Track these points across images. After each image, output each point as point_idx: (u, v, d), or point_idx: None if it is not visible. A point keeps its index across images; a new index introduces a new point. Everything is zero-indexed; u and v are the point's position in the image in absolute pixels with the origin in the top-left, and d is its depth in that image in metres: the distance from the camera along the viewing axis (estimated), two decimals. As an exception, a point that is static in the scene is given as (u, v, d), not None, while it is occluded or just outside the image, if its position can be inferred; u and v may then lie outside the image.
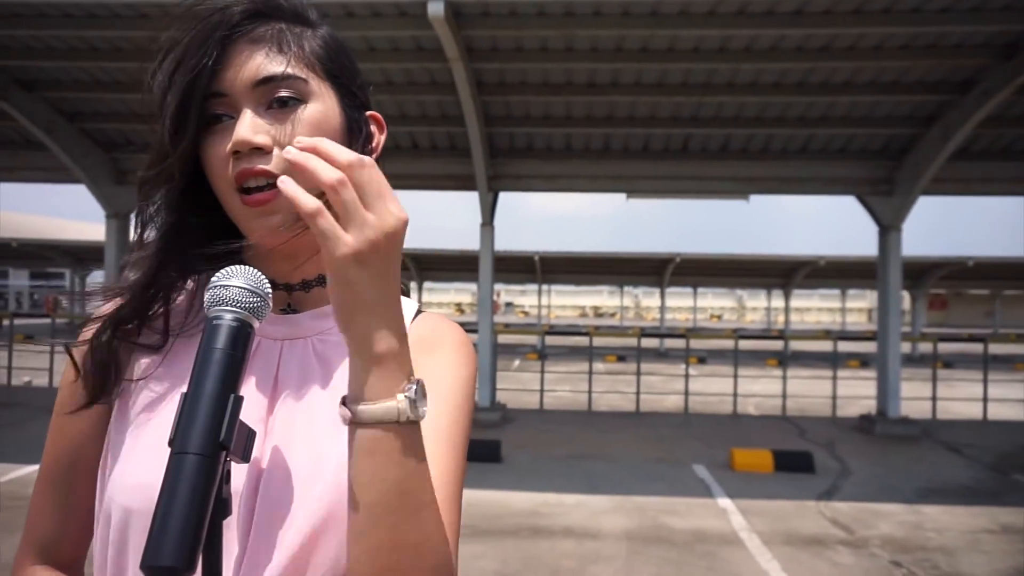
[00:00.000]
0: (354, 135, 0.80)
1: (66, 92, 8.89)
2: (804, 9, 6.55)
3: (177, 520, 0.62)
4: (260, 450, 0.75)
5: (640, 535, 5.32)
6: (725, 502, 6.21)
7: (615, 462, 7.57)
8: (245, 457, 0.68)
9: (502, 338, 22.96)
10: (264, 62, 0.74)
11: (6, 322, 19.85)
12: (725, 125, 8.93)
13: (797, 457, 7.47)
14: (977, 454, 8.36)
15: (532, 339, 24.31)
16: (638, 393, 11.10)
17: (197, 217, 0.80)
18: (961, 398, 11.94)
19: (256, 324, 0.72)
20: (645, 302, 66.28)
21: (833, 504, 6.22)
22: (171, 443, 0.65)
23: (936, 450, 8.61)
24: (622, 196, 10.44)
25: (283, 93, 0.74)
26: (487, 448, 7.41)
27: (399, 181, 9.98)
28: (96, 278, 34.76)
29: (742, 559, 4.89)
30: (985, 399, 10.83)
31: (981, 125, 8.15)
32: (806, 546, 5.18)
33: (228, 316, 0.70)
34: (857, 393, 11.93)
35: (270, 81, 0.74)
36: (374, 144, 0.83)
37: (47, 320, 27.96)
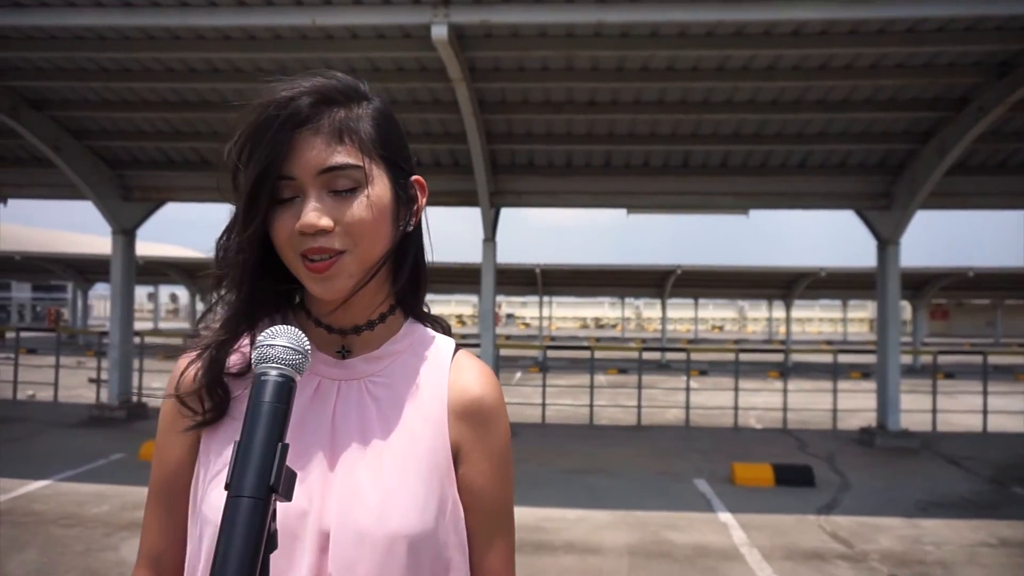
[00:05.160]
0: (401, 204, 0.92)
1: (74, 111, 9.03)
2: (801, 30, 6.67)
3: (235, 557, 0.71)
4: (325, 483, 0.87)
5: (642, 550, 5.38)
6: (726, 516, 6.27)
7: (617, 476, 7.63)
8: (288, 496, 0.78)
9: (503, 350, 22.98)
10: (327, 153, 0.85)
11: (10, 334, 19.93)
12: (724, 142, 9.05)
13: (797, 471, 7.52)
14: (977, 467, 8.41)
15: (534, 352, 24.34)
16: (639, 407, 11.16)
17: (266, 277, 0.92)
18: (962, 410, 11.99)
19: (298, 378, 0.82)
20: (646, 313, 66.25)
21: (833, 518, 6.28)
22: (227, 487, 0.75)
23: (936, 463, 8.66)
24: (623, 211, 10.56)
25: (343, 181, 0.85)
26: (490, 462, 7.47)
27: (402, 197, 10.08)
28: (99, 291, 34.88)
29: (743, 574, 4.95)
30: (985, 411, 10.88)
31: (977, 140, 8.26)
32: (806, 560, 5.24)
33: (274, 372, 0.80)
34: (858, 405, 11.98)
35: (332, 170, 0.85)
36: (417, 206, 0.95)
37: (52, 334, 28.05)
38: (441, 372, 0.96)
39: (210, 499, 0.87)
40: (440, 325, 1.03)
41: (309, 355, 0.83)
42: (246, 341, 0.92)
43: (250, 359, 0.89)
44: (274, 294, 0.94)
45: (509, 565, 0.98)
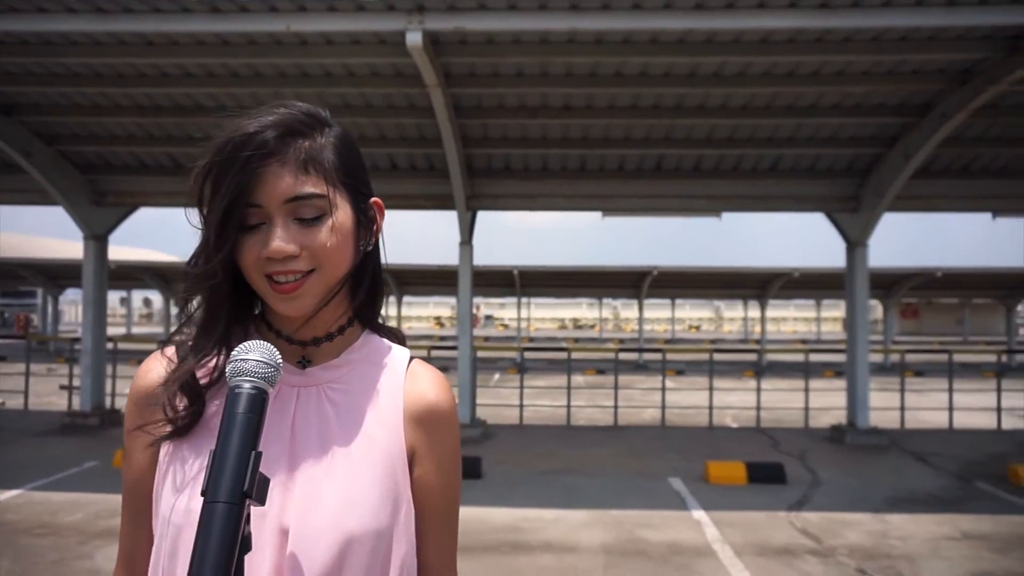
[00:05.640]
0: (362, 227, 0.98)
1: (45, 116, 8.93)
2: (769, 38, 6.82)
3: (212, 558, 0.76)
4: (285, 485, 0.92)
5: (617, 548, 5.47)
6: (699, 514, 6.38)
7: (593, 477, 7.72)
8: (261, 501, 0.83)
9: (481, 352, 23.07)
10: (293, 183, 0.90)
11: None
12: (697, 146, 9.19)
13: (769, 469, 7.67)
14: (943, 463, 8.63)
15: (512, 353, 24.41)
16: (616, 407, 11.27)
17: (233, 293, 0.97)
18: (930, 407, 12.28)
19: (270, 390, 0.87)
20: (624, 313, 66.62)
21: (803, 514, 6.42)
22: (203, 494, 0.80)
23: (904, 459, 8.87)
24: (598, 213, 10.67)
25: (308, 210, 0.91)
26: (468, 465, 7.51)
27: (379, 201, 10.11)
28: (69, 296, 34.31)
29: (715, 570, 5.05)
30: (951, 408, 11.15)
31: (941, 145, 8.48)
32: (777, 556, 5.36)
33: (247, 385, 0.85)
34: (831, 404, 12.22)
35: (298, 199, 0.90)
36: (376, 226, 1.02)
37: (20, 340, 27.50)
38: (397, 379, 1.01)
39: (172, 503, 0.91)
40: (396, 336, 1.09)
41: (281, 368, 0.89)
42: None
43: (214, 372, 0.96)
44: (238, 309, 0.98)
45: (453, 562, 1.05)
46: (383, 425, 0.98)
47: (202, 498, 0.81)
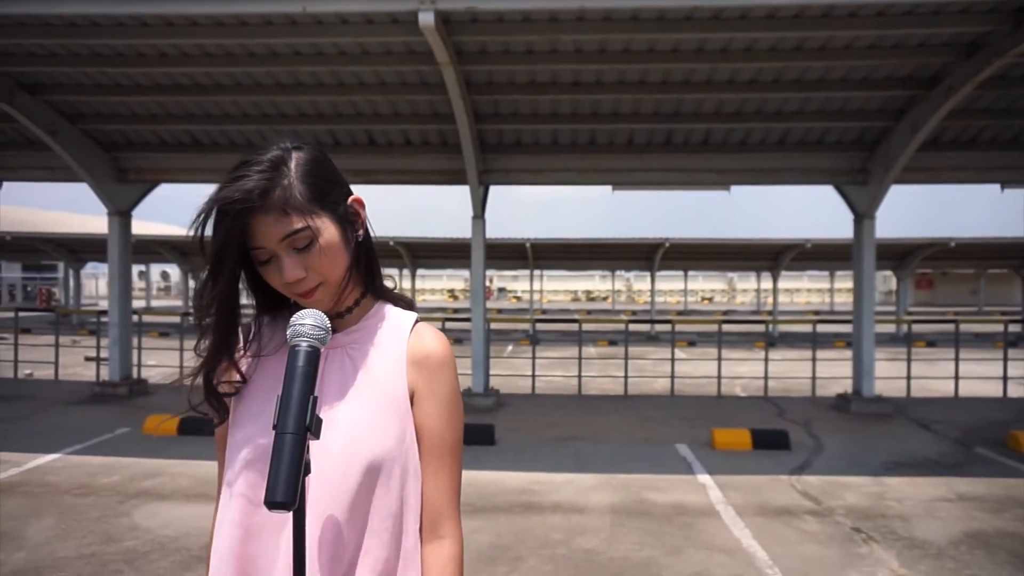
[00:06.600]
0: (347, 227, 1.23)
1: (68, 95, 9.16)
2: (775, 14, 6.89)
3: (283, 474, 1.02)
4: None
5: (624, 509, 5.75)
6: (704, 478, 6.65)
7: (603, 443, 8.00)
8: (317, 435, 1.08)
9: (495, 324, 23.37)
10: (279, 226, 1.14)
11: (8, 315, 20.08)
12: (705, 120, 9.29)
13: (774, 435, 7.90)
14: (945, 429, 8.82)
15: (525, 325, 24.68)
16: (626, 377, 11.53)
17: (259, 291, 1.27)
18: (938, 376, 12.43)
19: (322, 348, 1.12)
20: (637, 285, 66.64)
21: (804, 478, 6.67)
22: (275, 427, 1.05)
23: (907, 426, 9.07)
24: (609, 187, 10.81)
25: (300, 241, 1.15)
26: (482, 432, 7.83)
27: (393, 176, 10.32)
28: (89, 270, 34.90)
29: (717, 529, 5.33)
30: (956, 376, 11.30)
31: (948, 117, 8.53)
32: (776, 516, 5.62)
33: (304, 344, 1.11)
34: (839, 373, 12.40)
35: (288, 236, 1.14)
36: (360, 219, 1.26)
37: (44, 313, 28.14)
38: (402, 336, 1.26)
39: (231, 441, 1.21)
40: (405, 302, 1.36)
41: (330, 329, 1.13)
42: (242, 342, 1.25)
43: (234, 367, 1.23)
44: (280, 299, 1.25)
45: (449, 497, 1.24)
46: (388, 370, 1.23)
47: (250, 443, 1.15)
